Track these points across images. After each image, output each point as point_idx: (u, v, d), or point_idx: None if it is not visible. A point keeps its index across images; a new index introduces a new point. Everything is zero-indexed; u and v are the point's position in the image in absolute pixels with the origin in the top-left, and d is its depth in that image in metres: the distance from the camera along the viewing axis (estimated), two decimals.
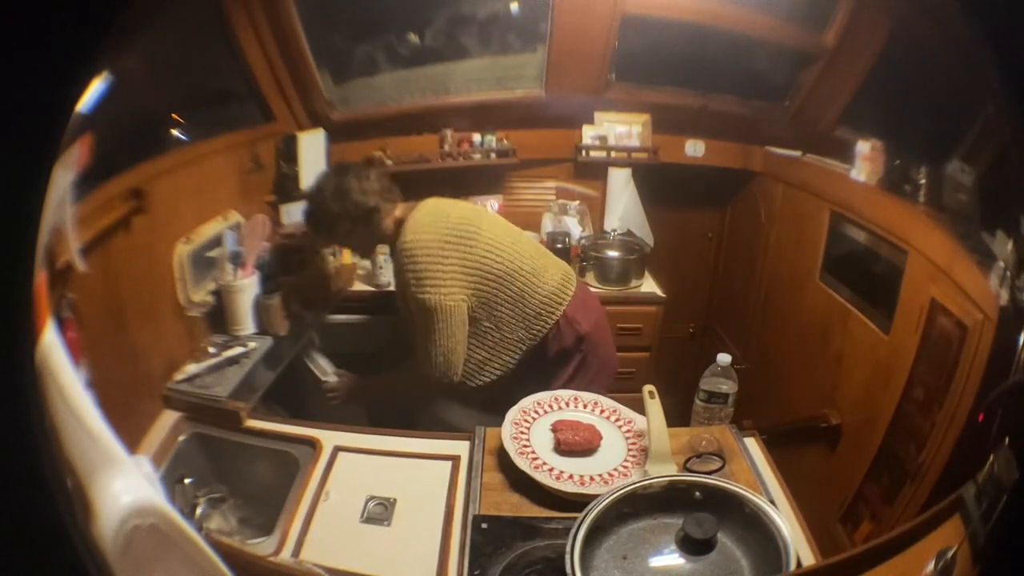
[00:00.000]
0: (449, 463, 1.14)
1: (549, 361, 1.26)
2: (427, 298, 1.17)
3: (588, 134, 1.27)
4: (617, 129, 1.26)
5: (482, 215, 1.23)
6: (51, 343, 0.81)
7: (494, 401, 1.24)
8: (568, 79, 1.23)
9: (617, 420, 1.20)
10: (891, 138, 1.04)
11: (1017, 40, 0.94)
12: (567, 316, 1.24)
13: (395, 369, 1.29)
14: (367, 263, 1.32)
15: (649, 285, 1.37)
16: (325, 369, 1.27)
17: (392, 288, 1.32)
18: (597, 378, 1.29)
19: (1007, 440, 0.88)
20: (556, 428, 1.15)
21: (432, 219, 1.18)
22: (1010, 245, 0.91)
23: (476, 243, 1.18)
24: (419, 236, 1.17)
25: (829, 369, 1.21)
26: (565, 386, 1.25)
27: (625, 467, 1.11)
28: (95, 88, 0.89)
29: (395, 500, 1.06)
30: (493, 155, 1.25)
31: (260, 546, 1.00)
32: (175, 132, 1.03)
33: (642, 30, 1.19)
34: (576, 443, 1.12)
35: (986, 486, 0.87)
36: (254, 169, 1.16)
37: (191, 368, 1.12)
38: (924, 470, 0.94)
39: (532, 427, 1.16)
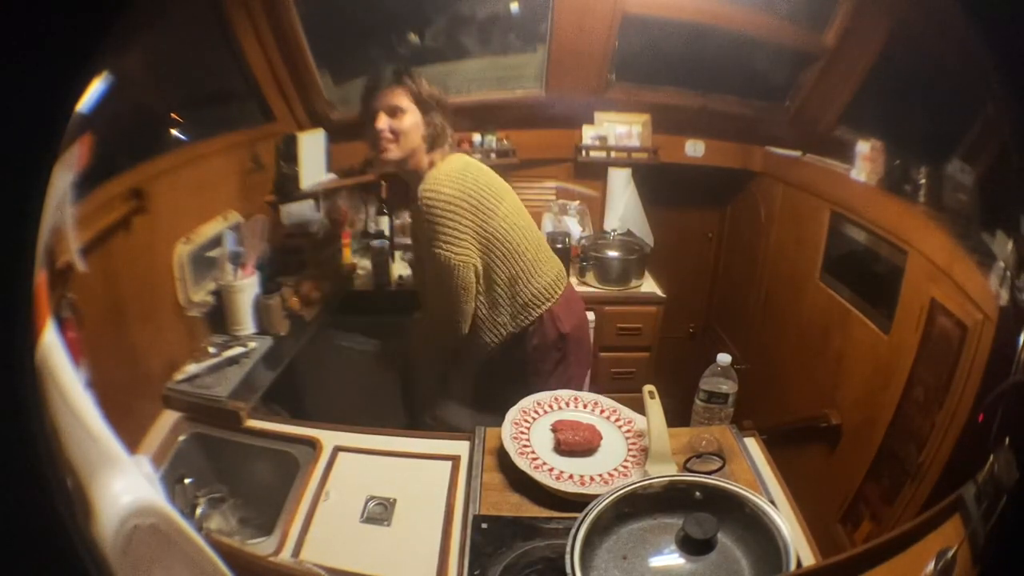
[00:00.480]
0: (449, 463, 1.14)
1: (529, 355, 1.27)
2: (441, 254, 1.17)
3: (588, 134, 1.27)
4: (617, 129, 1.26)
5: (507, 191, 1.22)
6: (51, 343, 0.81)
7: (482, 396, 1.25)
8: (568, 79, 1.23)
9: (617, 420, 1.20)
10: (891, 138, 1.04)
11: (1017, 40, 0.94)
12: (552, 313, 1.25)
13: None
14: (367, 263, 1.32)
15: (649, 285, 1.37)
16: (363, 340, 1.28)
17: (393, 289, 1.32)
18: (575, 377, 1.30)
19: (1007, 440, 0.88)
20: (556, 428, 1.15)
21: (459, 175, 1.17)
22: (1010, 245, 0.91)
23: (495, 214, 1.18)
24: (443, 189, 1.16)
25: (829, 369, 1.21)
26: (545, 381, 1.26)
27: (625, 467, 1.11)
28: (95, 88, 0.89)
29: (395, 500, 1.06)
30: (493, 155, 1.25)
31: (260, 546, 1.00)
32: (175, 132, 1.03)
33: (642, 30, 1.19)
34: (576, 443, 1.12)
35: (986, 486, 0.87)
36: (254, 169, 1.17)
37: (191, 368, 1.12)
38: (924, 470, 0.94)
39: (532, 427, 1.16)
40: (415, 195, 1.17)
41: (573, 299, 1.30)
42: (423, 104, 1.13)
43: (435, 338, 1.28)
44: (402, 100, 1.12)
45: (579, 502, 0.96)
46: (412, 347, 1.34)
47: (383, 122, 1.13)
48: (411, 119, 1.13)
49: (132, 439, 0.85)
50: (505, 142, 1.25)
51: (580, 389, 1.26)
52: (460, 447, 1.17)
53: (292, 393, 1.23)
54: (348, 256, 1.31)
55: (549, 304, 1.25)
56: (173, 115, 1.03)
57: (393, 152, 1.15)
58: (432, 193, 1.15)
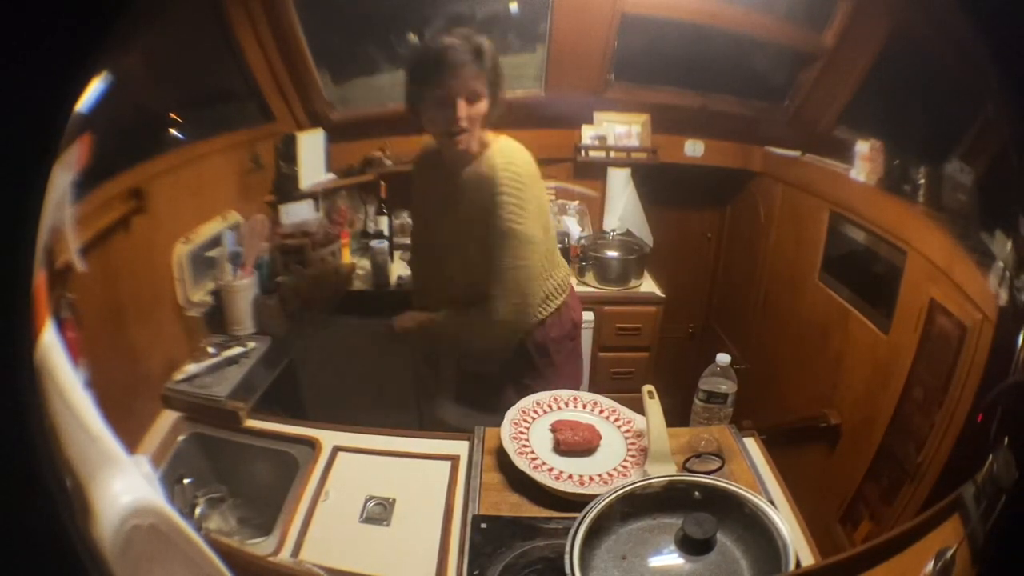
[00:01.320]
0: (448, 463, 1.14)
1: (548, 345, 1.25)
2: (520, 229, 1.11)
3: (587, 134, 1.27)
4: (616, 129, 1.26)
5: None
6: (50, 343, 0.81)
7: (492, 392, 1.24)
8: (567, 79, 1.23)
9: (616, 420, 1.20)
10: (891, 138, 1.04)
11: (1017, 40, 0.94)
12: (568, 304, 1.25)
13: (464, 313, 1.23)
14: (366, 263, 1.32)
15: (648, 285, 1.37)
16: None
17: (393, 289, 1.32)
18: (578, 372, 1.30)
19: (1006, 440, 0.88)
20: (555, 428, 1.15)
21: (525, 154, 1.11)
22: (1009, 245, 0.91)
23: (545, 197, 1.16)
24: (523, 167, 1.08)
25: (828, 369, 1.21)
26: (557, 372, 1.25)
27: (624, 467, 1.11)
28: (95, 88, 0.89)
29: (394, 500, 1.06)
30: None
31: (259, 546, 1.00)
32: (175, 132, 1.03)
33: (642, 30, 1.19)
34: (575, 443, 1.12)
35: (985, 486, 0.87)
36: (254, 169, 1.16)
37: (190, 368, 1.12)
38: (923, 470, 0.95)
39: (531, 427, 1.16)
40: (457, 174, 1.08)
41: (575, 294, 1.30)
42: (494, 85, 1.02)
43: (498, 327, 1.20)
44: (481, 84, 1.01)
45: (578, 502, 0.96)
46: (463, 340, 1.25)
47: (464, 110, 1.01)
48: (484, 103, 1.03)
49: (131, 439, 0.85)
50: None
51: (579, 385, 1.26)
52: (459, 447, 1.17)
53: (292, 393, 1.23)
54: (347, 256, 1.31)
55: (564, 296, 1.24)
56: (173, 115, 1.03)
57: (473, 146, 1.04)
58: (519, 169, 1.08)
